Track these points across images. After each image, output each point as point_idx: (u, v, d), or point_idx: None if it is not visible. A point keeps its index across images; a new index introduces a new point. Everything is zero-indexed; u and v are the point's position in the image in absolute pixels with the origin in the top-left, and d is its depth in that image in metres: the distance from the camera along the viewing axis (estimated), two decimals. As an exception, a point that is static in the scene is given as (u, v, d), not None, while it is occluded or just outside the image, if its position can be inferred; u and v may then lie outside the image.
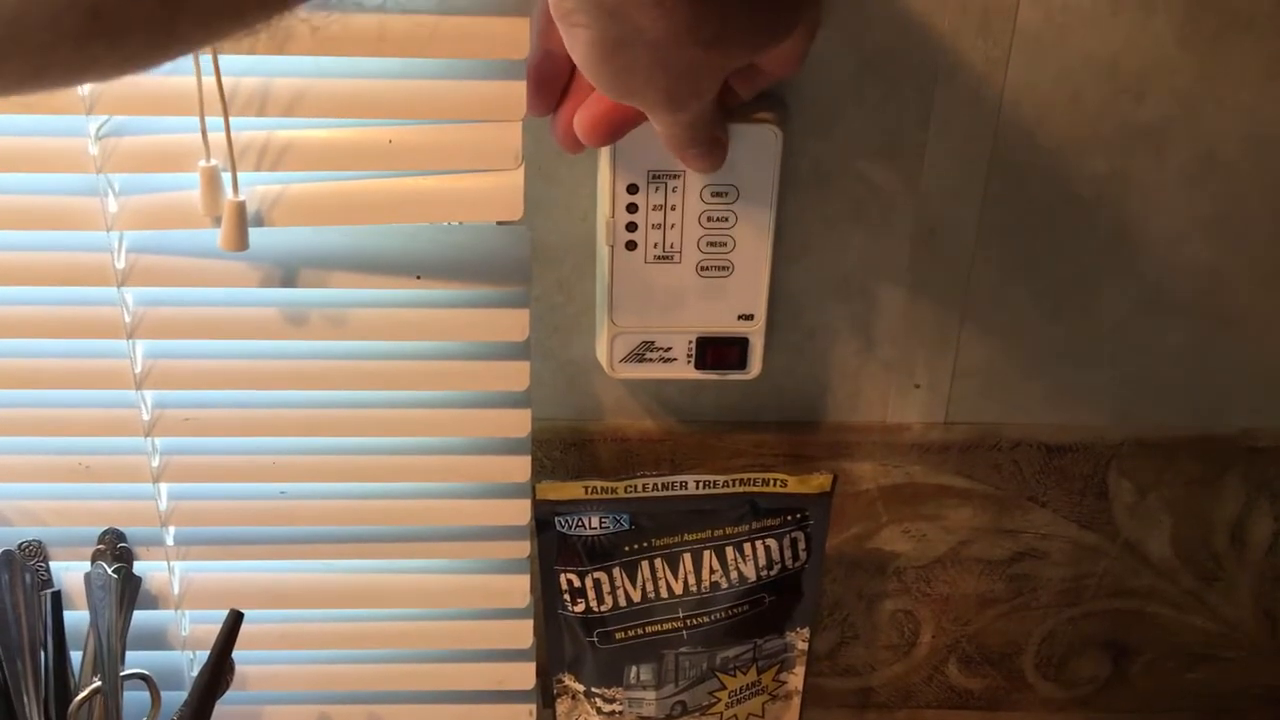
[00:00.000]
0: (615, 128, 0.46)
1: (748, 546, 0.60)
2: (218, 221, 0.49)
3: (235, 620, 0.57)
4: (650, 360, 0.56)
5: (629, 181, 0.52)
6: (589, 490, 0.58)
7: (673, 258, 0.53)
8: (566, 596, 0.60)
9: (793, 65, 0.45)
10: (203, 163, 0.48)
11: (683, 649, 0.62)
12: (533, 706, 0.65)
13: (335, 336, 0.54)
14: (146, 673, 0.58)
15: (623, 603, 0.61)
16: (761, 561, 0.60)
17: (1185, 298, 0.58)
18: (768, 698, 0.66)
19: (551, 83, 0.47)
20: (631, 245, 0.53)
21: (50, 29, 0.20)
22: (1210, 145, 0.55)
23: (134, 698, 0.58)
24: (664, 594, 0.61)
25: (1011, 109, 0.54)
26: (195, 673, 0.58)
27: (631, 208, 0.52)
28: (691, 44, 0.37)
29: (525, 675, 0.64)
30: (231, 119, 0.47)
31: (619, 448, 0.61)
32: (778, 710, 0.67)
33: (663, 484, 0.58)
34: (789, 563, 0.61)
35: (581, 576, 0.60)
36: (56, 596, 0.57)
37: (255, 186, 0.50)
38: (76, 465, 0.57)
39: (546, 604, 0.61)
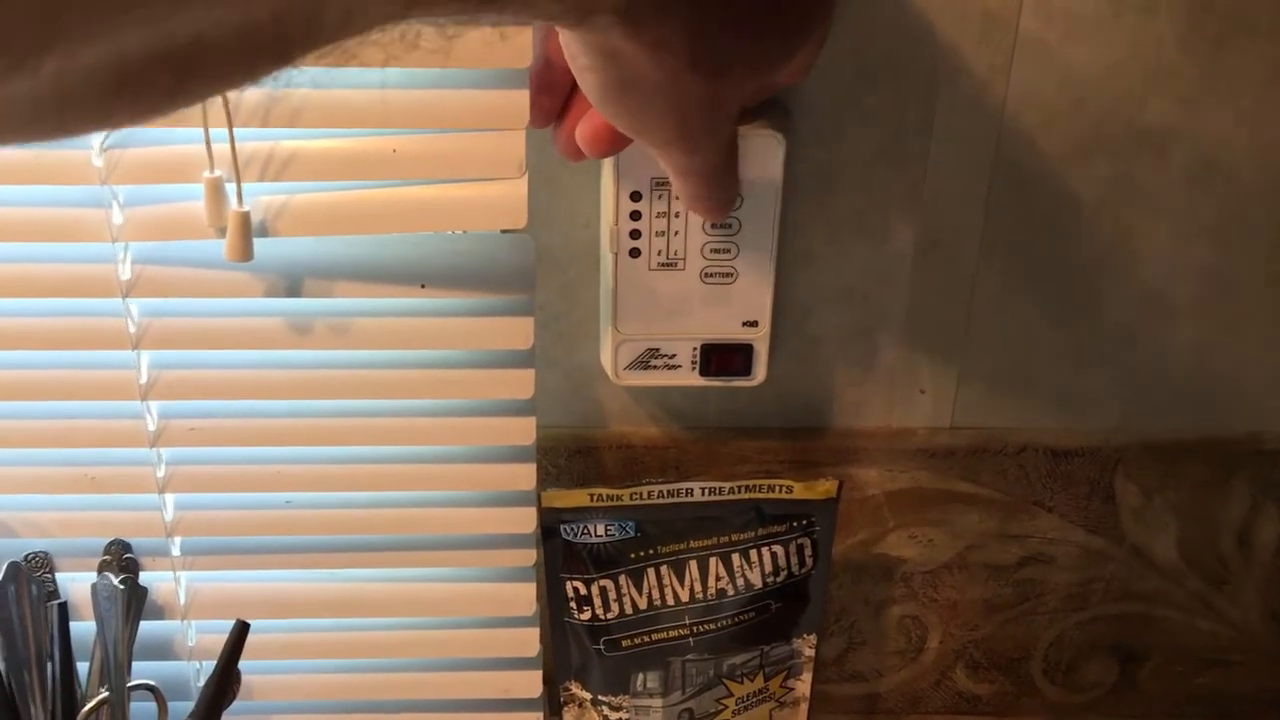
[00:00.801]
0: (617, 139, 0.46)
1: (754, 553, 0.60)
2: (222, 232, 0.49)
3: (241, 630, 0.57)
4: (655, 367, 0.56)
5: (632, 189, 0.52)
6: (594, 498, 0.58)
7: (677, 265, 0.53)
8: (572, 604, 0.60)
9: (799, 75, 0.45)
10: (207, 174, 0.48)
11: (689, 656, 0.62)
12: (539, 715, 0.65)
13: (340, 346, 0.54)
14: (153, 683, 0.58)
15: (629, 610, 0.61)
16: (768, 568, 0.60)
17: (1189, 301, 0.58)
18: (775, 704, 0.66)
19: (552, 93, 0.47)
20: (635, 252, 0.53)
21: (81, 97, 0.21)
22: (1213, 149, 0.55)
23: (141, 708, 0.58)
24: (670, 601, 0.61)
25: (1014, 115, 0.54)
26: (202, 683, 0.58)
27: (635, 215, 0.52)
28: (696, 80, 0.37)
29: (532, 683, 0.64)
30: (235, 130, 0.47)
31: (624, 455, 0.61)
32: (785, 717, 0.67)
33: (668, 491, 0.58)
34: (795, 569, 0.61)
35: (587, 584, 0.60)
36: (63, 608, 0.57)
37: (260, 197, 0.50)
38: (82, 476, 0.57)
39: (552, 612, 0.61)
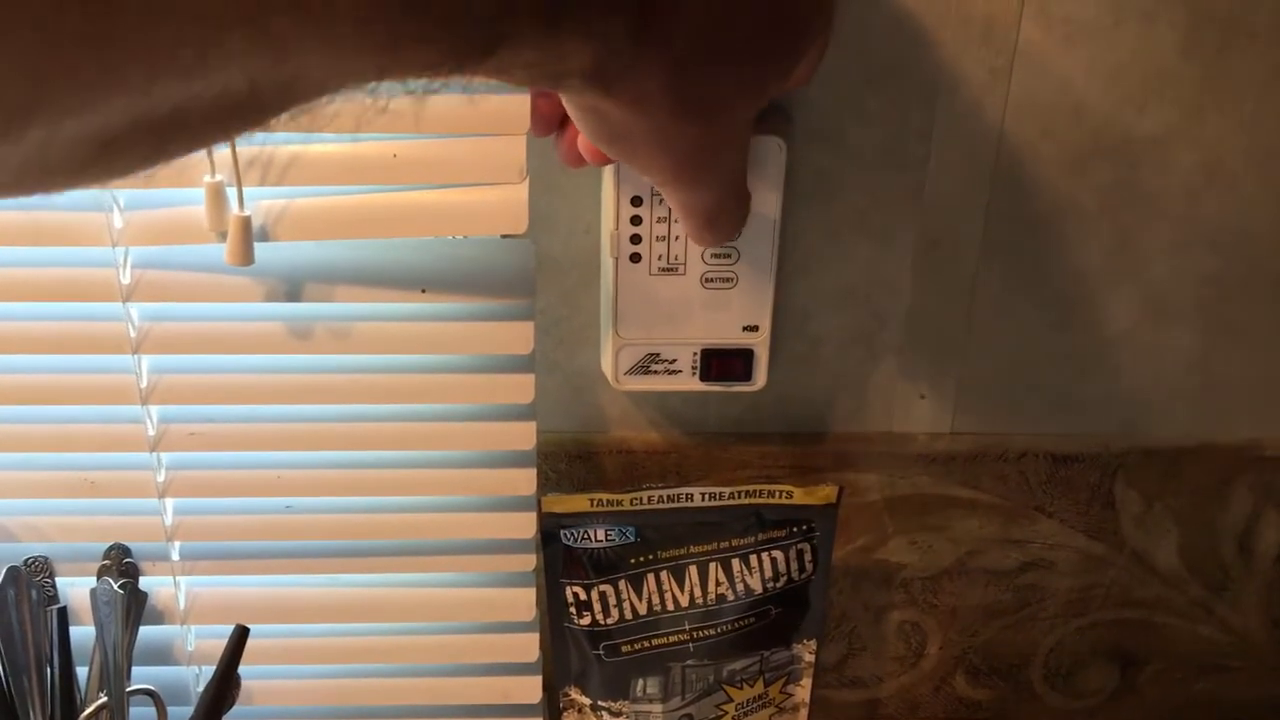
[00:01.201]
0: None
1: (754, 558, 0.60)
2: (223, 237, 0.49)
3: (241, 635, 0.57)
4: (655, 372, 0.56)
5: (633, 194, 0.52)
6: (594, 503, 0.58)
7: (677, 269, 0.53)
8: (572, 609, 0.60)
9: (803, 82, 0.44)
10: (208, 178, 0.49)
11: (689, 662, 0.62)
12: (539, 720, 0.65)
13: (340, 350, 0.54)
14: (152, 688, 0.58)
15: (629, 615, 0.61)
16: (768, 573, 0.60)
17: (1190, 307, 0.58)
18: (775, 710, 0.66)
19: (552, 97, 0.47)
20: (636, 257, 0.53)
21: (64, 162, 0.22)
22: (1214, 155, 0.55)
23: (140, 713, 0.58)
24: (670, 606, 0.61)
25: (1014, 120, 0.54)
26: (201, 688, 0.58)
27: (635, 220, 0.52)
28: (683, 126, 0.36)
29: (531, 689, 0.64)
30: (236, 134, 0.47)
31: (624, 460, 0.61)
32: (785, 722, 0.67)
33: (668, 496, 0.58)
34: (795, 574, 0.61)
35: (587, 589, 0.60)
36: (62, 612, 0.57)
37: (260, 201, 0.50)
38: (82, 480, 0.57)
39: (552, 617, 0.61)
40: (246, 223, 0.49)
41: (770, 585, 0.61)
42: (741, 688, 0.64)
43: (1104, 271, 0.57)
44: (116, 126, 0.22)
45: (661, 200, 0.52)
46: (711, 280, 0.54)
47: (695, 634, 0.61)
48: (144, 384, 0.54)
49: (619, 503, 0.58)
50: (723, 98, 0.36)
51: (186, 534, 0.58)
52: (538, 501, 0.58)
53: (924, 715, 0.71)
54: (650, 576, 0.60)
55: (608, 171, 0.51)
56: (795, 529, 0.60)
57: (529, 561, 0.60)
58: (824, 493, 0.59)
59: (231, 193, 0.49)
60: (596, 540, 0.59)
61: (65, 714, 0.56)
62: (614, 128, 0.36)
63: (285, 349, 0.54)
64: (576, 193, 0.55)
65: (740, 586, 0.60)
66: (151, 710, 0.58)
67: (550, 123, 0.47)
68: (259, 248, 0.49)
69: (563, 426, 0.61)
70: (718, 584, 0.60)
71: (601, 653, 0.62)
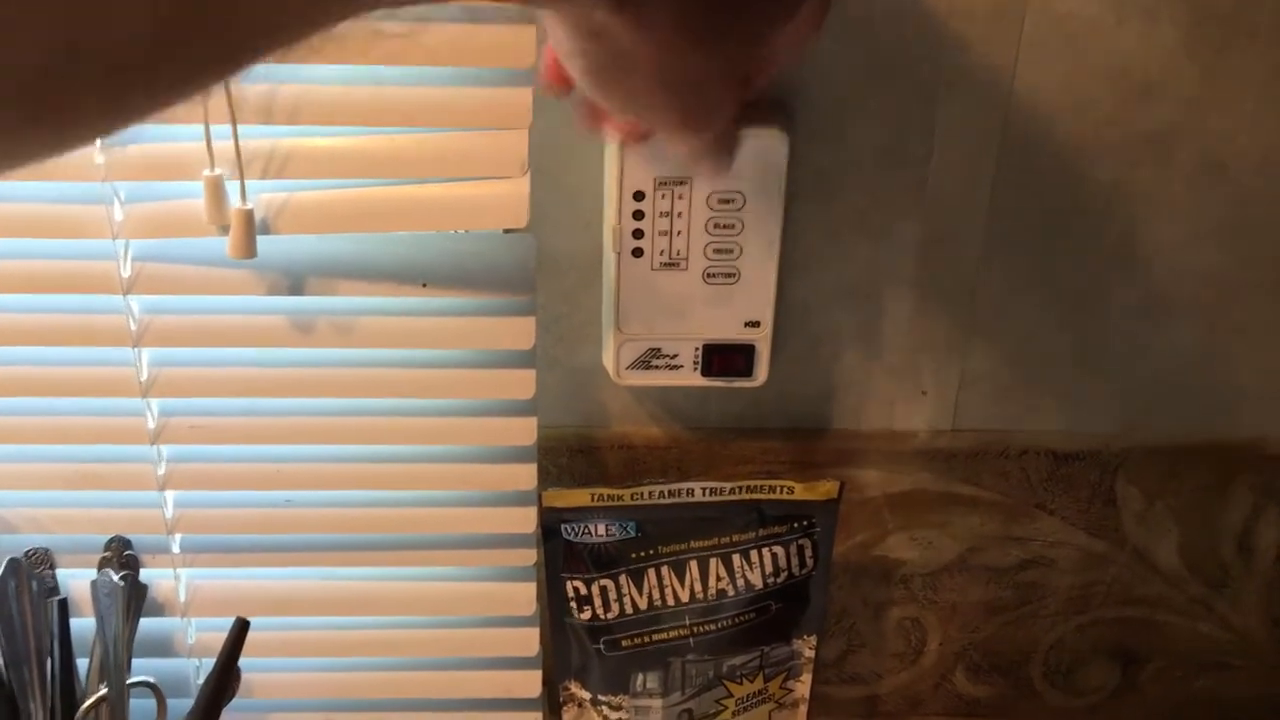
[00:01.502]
0: None
1: (754, 554, 0.60)
2: (223, 230, 0.49)
3: (241, 628, 0.57)
4: (656, 367, 0.56)
5: (635, 189, 0.52)
6: (595, 498, 0.58)
7: (679, 265, 0.53)
8: (573, 604, 0.60)
9: (799, 45, 0.43)
10: (207, 172, 0.48)
11: (689, 657, 0.62)
12: (539, 714, 0.65)
13: (341, 344, 0.54)
14: (153, 680, 0.58)
15: (629, 610, 0.61)
16: (768, 569, 0.60)
17: (1192, 304, 0.58)
18: (774, 705, 0.66)
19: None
20: (638, 252, 0.53)
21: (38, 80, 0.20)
22: (1217, 152, 0.54)
23: (140, 705, 0.58)
24: (670, 601, 0.61)
25: (1017, 117, 0.54)
26: (201, 680, 0.58)
27: (638, 215, 0.52)
28: (686, 53, 0.36)
29: (531, 683, 0.64)
30: (238, 127, 0.47)
31: (625, 455, 0.61)
32: (784, 718, 0.67)
33: (669, 491, 0.58)
34: (796, 570, 0.61)
35: (588, 584, 0.60)
36: (63, 604, 0.57)
37: (261, 194, 0.50)
38: (82, 473, 0.57)
39: (553, 612, 0.61)
40: (249, 216, 0.49)
41: (770, 581, 0.61)
42: (741, 683, 0.64)
43: (1106, 268, 0.57)
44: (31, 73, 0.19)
45: (664, 195, 0.52)
46: (713, 275, 0.54)
47: (695, 629, 0.61)
48: (144, 377, 0.54)
49: (620, 498, 0.58)
50: (723, 25, 0.36)
51: (187, 527, 0.59)
52: (538, 496, 0.58)
53: (924, 712, 0.71)
54: (651, 571, 0.60)
55: (610, 165, 0.51)
56: (796, 525, 0.60)
57: (529, 556, 0.60)
58: (825, 488, 0.59)
59: (231, 186, 0.49)
60: (597, 535, 0.59)
61: (65, 706, 0.56)
62: (617, 58, 0.36)
63: (286, 343, 0.54)
64: (578, 187, 0.55)
65: (741, 582, 0.60)
66: (152, 702, 0.58)
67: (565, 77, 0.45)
68: (260, 241, 0.49)
69: (564, 421, 0.61)
70: (718, 579, 0.60)
71: (602, 647, 0.62)
